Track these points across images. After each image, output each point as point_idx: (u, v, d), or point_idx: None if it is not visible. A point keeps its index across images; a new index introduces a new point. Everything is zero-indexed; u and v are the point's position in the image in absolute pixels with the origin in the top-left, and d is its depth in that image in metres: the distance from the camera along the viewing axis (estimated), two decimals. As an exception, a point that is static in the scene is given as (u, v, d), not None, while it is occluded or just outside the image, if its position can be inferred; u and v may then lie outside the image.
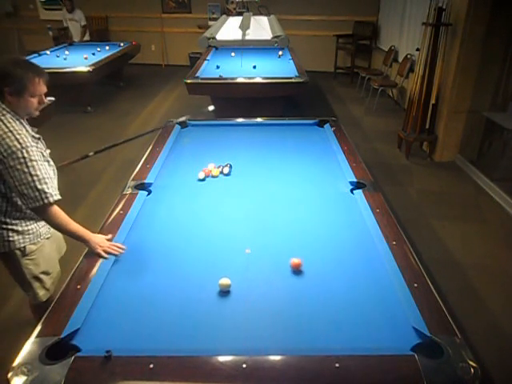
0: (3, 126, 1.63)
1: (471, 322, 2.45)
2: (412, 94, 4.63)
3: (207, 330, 1.42)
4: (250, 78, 4.41)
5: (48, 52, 6.69)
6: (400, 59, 6.20)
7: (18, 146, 1.61)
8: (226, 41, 5.79)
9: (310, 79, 4.47)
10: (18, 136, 1.63)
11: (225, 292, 1.57)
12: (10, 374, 1.22)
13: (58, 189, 1.83)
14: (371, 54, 7.85)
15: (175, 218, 2.11)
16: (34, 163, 1.64)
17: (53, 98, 4.06)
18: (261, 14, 7.06)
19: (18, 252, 1.87)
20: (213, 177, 2.50)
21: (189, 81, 4.38)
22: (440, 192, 4.07)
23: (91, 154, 2.38)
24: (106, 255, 1.75)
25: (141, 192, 2.29)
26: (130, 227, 2.00)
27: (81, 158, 2.36)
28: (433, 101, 4.49)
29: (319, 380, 1.24)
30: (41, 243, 1.93)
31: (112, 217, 2.08)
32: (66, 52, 6.67)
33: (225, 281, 1.57)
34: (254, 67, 5.02)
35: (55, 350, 1.30)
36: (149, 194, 2.31)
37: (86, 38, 7.76)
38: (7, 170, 1.62)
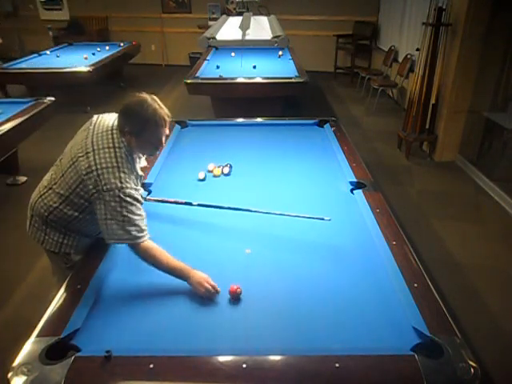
0: (113, 160, 1.64)
1: (471, 322, 2.45)
2: (412, 94, 4.63)
3: (207, 329, 1.42)
4: (250, 78, 4.41)
5: (48, 52, 6.68)
6: (400, 59, 6.19)
7: (119, 185, 1.61)
8: (226, 41, 5.80)
9: (310, 79, 4.46)
10: (122, 175, 1.62)
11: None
12: (10, 374, 1.22)
13: None
14: (371, 54, 7.85)
15: (175, 218, 2.12)
16: (128, 205, 1.62)
17: (53, 98, 4.06)
18: (261, 13, 7.07)
19: (63, 256, 1.87)
20: (214, 176, 2.51)
21: (189, 81, 4.37)
22: (440, 192, 4.07)
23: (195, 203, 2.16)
24: (206, 296, 1.58)
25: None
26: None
27: (174, 202, 2.19)
28: (433, 101, 4.49)
29: (319, 380, 1.23)
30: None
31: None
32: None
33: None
34: (254, 67, 5.01)
35: (55, 350, 1.30)
36: (149, 194, 2.31)
37: None
38: (101, 200, 1.62)
